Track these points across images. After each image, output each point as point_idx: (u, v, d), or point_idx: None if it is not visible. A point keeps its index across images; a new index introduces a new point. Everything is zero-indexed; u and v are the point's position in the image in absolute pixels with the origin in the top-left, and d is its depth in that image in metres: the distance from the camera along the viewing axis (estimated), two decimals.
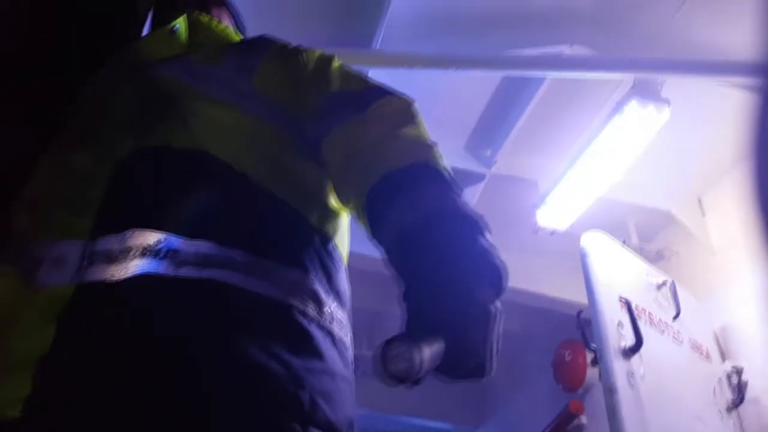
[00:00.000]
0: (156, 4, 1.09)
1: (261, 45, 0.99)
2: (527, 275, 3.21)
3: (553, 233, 3.10)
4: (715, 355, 2.75)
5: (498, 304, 0.71)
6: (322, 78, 0.94)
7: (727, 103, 2.47)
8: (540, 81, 2.62)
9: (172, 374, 0.66)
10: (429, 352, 0.63)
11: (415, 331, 0.68)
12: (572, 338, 3.28)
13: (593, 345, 2.48)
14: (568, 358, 3.51)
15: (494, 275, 0.72)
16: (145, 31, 1.14)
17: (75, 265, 0.72)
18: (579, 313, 2.84)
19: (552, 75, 2.55)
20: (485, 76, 2.71)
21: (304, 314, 0.75)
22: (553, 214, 3.02)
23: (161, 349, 0.66)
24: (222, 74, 0.94)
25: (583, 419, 3.38)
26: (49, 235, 0.74)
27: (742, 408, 2.61)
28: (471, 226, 0.75)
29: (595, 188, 2.86)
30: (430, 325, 0.67)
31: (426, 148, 0.84)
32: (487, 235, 0.75)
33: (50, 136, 0.84)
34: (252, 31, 1.14)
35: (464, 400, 4.82)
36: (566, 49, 2.44)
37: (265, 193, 0.83)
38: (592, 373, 3.30)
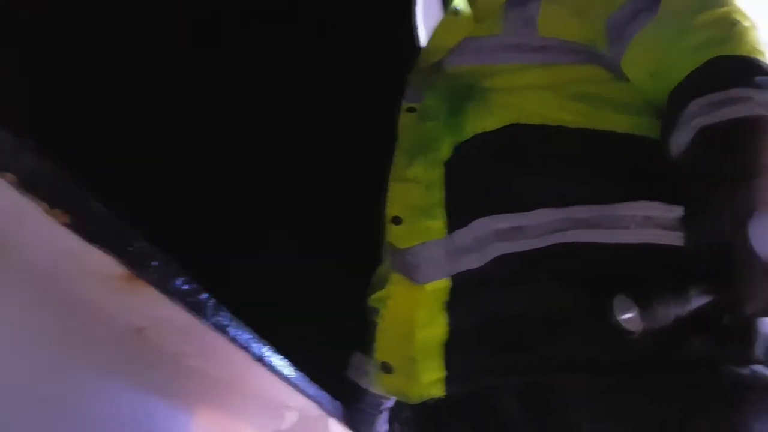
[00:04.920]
0: None
1: None
2: None
3: None
4: None
5: None
6: None
7: None
8: None
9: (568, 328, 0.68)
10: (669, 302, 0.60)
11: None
12: None
13: None
14: None
15: None
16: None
17: (443, 260, 0.78)
18: None
19: None
20: None
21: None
22: None
23: (537, 310, 0.70)
24: (506, 39, 0.88)
25: None
26: (416, 240, 0.81)
27: None
28: None
29: None
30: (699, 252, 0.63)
31: (735, 33, 0.72)
32: None
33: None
34: None
35: None
36: None
37: (588, 135, 0.77)
38: None
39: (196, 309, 0.93)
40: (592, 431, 0.66)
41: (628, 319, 0.61)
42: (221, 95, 1.55)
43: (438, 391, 0.75)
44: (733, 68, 0.70)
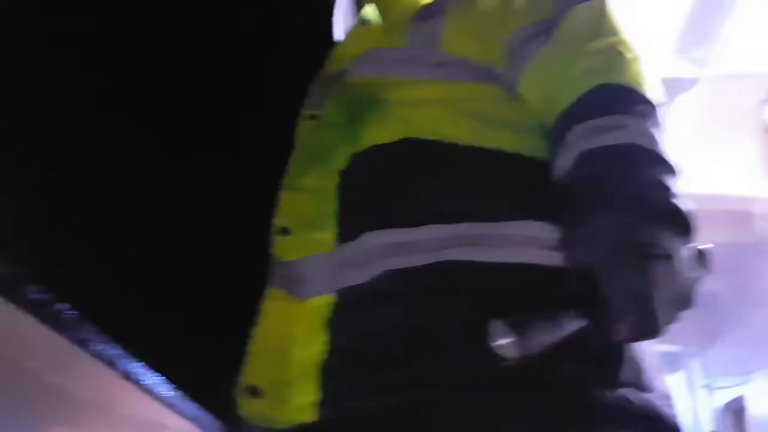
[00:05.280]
0: None
1: (438, 6, 0.86)
2: (757, 182, 2.90)
3: None
4: None
5: (673, 249, 0.61)
6: (506, 17, 0.82)
7: None
8: None
9: (458, 357, 0.63)
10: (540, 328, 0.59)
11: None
12: None
13: None
14: None
15: (671, 216, 0.62)
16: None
17: (329, 274, 0.72)
18: None
19: None
20: None
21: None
22: None
23: (420, 334, 0.65)
24: (409, 53, 0.84)
25: None
26: (302, 253, 0.75)
27: None
28: (654, 163, 0.66)
29: None
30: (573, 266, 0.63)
31: (619, 63, 0.73)
32: (671, 175, 0.64)
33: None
34: None
35: (690, 320, 4.30)
36: None
37: (479, 153, 0.74)
38: None
39: (53, 321, 0.84)
40: None
41: (504, 345, 0.60)
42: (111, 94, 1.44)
43: (310, 416, 0.70)
44: (614, 96, 0.71)
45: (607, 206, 0.64)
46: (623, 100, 0.71)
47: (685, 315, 0.63)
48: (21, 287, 0.75)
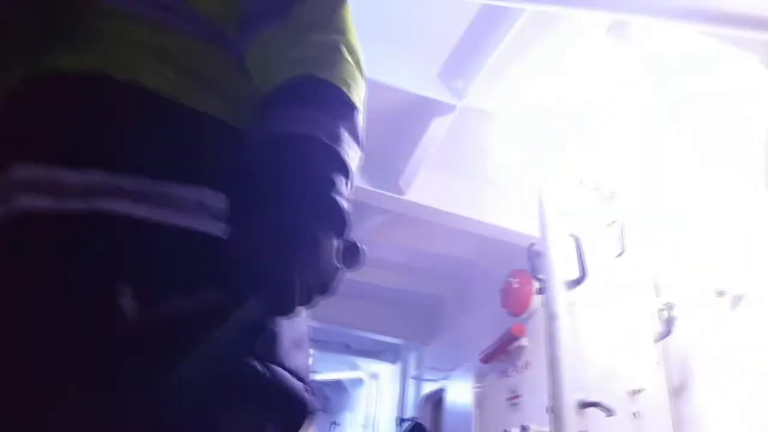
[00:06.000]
0: None
1: None
2: (485, 207, 3.31)
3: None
4: (650, 291, 2.74)
5: (320, 240, 0.64)
6: None
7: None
8: (519, 12, 2.44)
9: (58, 313, 0.59)
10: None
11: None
12: (522, 268, 3.23)
13: (541, 275, 2.62)
14: (516, 286, 3.55)
15: (330, 212, 0.66)
16: None
17: None
18: (531, 245, 2.84)
19: (531, 7, 2.37)
20: (465, 2, 2.48)
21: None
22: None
23: (45, 287, 0.61)
24: None
25: (525, 341, 3.49)
26: None
27: (668, 340, 2.57)
28: (330, 160, 0.69)
29: None
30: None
31: (334, 60, 0.75)
32: (342, 176, 0.69)
33: None
34: None
35: (415, 319, 4.87)
36: None
37: (177, 109, 0.71)
38: (536, 300, 3.29)
39: None
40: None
41: (126, 309, 0.58)
42: None
43: None
44: (317, 90, 0.73)
45: (271, 191, 0.65)
46: (324, 96, 0.72)
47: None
48: None
